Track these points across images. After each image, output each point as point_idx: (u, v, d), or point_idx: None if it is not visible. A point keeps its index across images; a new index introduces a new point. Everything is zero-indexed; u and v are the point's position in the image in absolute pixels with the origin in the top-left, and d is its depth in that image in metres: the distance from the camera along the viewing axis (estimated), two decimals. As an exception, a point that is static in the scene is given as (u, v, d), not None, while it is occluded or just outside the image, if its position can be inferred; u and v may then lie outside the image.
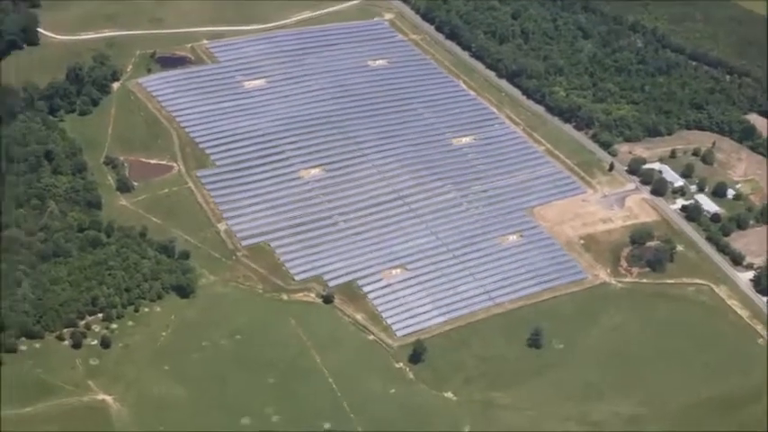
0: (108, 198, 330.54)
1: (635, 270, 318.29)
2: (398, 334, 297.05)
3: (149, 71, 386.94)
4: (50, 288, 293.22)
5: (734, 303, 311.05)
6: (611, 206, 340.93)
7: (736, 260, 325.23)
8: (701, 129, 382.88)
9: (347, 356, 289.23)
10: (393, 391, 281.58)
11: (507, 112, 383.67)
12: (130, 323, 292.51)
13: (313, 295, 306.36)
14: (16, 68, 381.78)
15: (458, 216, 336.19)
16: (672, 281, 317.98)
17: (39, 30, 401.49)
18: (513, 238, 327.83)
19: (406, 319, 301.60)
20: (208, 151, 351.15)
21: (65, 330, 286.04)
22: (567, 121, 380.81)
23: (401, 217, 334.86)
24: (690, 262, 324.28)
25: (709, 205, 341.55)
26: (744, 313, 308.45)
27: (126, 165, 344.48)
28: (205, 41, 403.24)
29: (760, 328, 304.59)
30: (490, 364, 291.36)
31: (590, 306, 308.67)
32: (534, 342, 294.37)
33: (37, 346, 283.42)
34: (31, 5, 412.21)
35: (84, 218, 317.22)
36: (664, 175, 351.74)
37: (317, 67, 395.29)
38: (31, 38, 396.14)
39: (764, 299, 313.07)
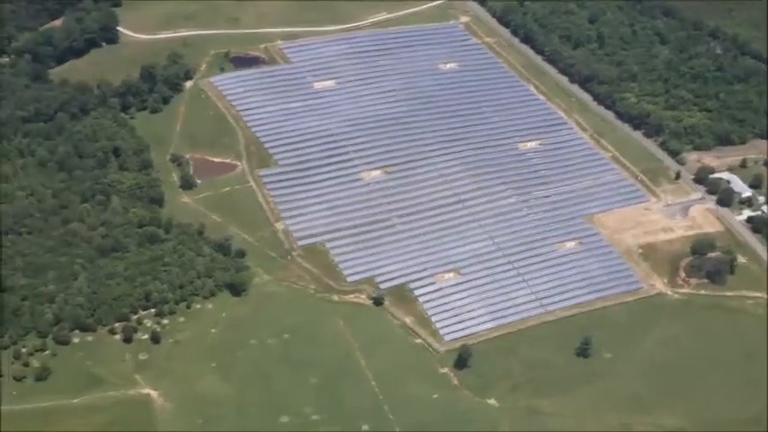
0: (171, 195, 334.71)
1: (693, 281, 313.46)
2: (446, 338, 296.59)
3: (222, 70, 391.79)
4: (106, 282, 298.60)
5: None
6: (673, 215, 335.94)
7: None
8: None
9: (392, 359, 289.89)
10: (436, 395, 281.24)
11: (576, 117, 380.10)
12: (181, 319, 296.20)
13: (364, 297, 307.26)
14: (94, 66, 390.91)
15: (517, 221, 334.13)
16: (730, 293, 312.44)
17: (118, 28, 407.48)
18: (570, 244, 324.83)
19: (455, 323, 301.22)
20: (271, 151, 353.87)
21: (117, 324, 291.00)
22: (636, 127, 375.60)
23: (459, 220, 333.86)
24: (751, 275, 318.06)
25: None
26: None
27: (191, 162, 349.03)
28: (279, 42, 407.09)
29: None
30: (536, 371, 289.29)
31: (643, 316, 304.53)
32: (583, 351, 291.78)
33: (89, 339, 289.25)
34: (112, 5, 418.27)
35: (144, 214, 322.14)
36: (731, 185, 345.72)
37: (388, 69, 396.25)
38: (110, 36, 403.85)
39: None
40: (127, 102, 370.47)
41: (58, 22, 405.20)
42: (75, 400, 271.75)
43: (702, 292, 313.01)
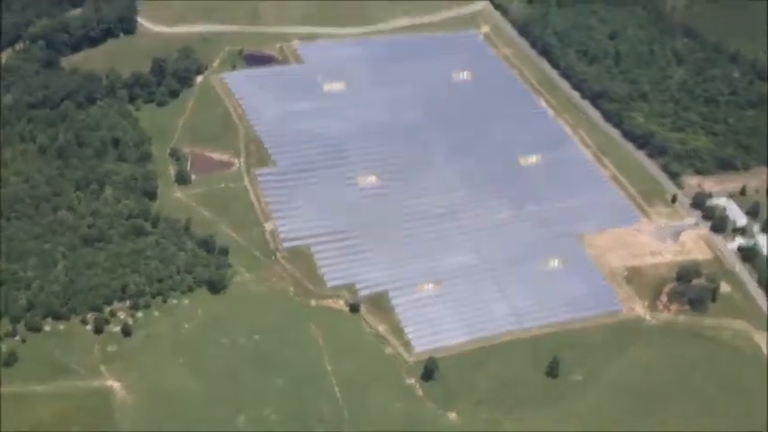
0: (165, 188, 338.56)
1: (674, 307, 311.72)
2: (417, 349, 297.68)
3: (234, 67, 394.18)
4: (84, 272, 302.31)
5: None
6: (664, 239, 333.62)
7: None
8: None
9: (360, 367, 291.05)
10: (398, 405, 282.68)
11: (582, 133, 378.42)
12: (156, 313, 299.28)
13: (341, 302, 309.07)
14: (108, 56, 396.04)
15: (505, 235, 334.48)
16: (710, 322, 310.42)
17: (138, 20, 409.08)
18: (555, 262, 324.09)
19: (428, 335, 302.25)
20: (270, 150, 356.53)
21: (89, 315, 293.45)
22: (640, 147, 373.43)
23: (448, 231, 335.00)
24: (734, 304, 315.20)
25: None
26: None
27: (189, 157, 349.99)
28: (295, 42, 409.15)
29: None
30: (503, 388, 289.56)
31: (619, 339, 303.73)
32: (551, 371, 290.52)
33: (61, 327, 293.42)
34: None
35: (134, 206, 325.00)
36: (727, 212, 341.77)
37: (400, 76, 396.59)
38: (127, 27, 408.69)
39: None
40: (135, 93, 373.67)
41: (78, 11, 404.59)
42: (38, 388, 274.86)
43: (682, 318, 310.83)
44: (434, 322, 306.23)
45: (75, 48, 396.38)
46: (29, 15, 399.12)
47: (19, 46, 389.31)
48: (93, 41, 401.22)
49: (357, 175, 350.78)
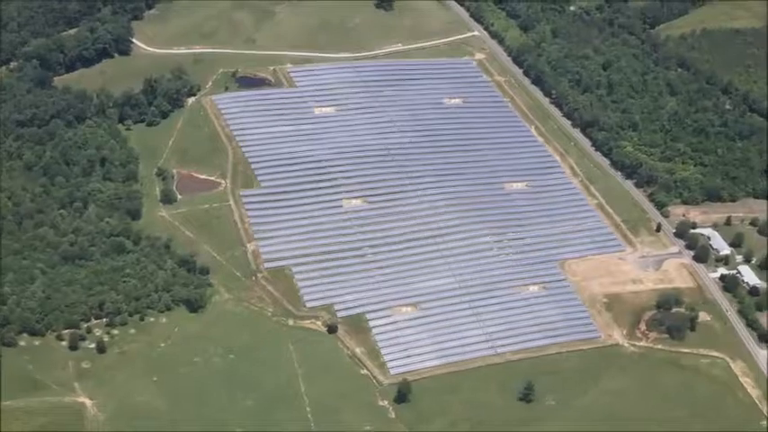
0: (150, 207, 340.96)
1: (652, 335, 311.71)
2: (392, 372, 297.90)
3: (226, 89, 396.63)
4: (62, 289, 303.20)
5: (747, 381, 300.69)
6: (646, 267, 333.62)
7: (763, 337, 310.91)
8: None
9: (333, 388, 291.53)
10: (368, 427, 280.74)
11: (571, 161, 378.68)
12: (132, 331, 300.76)
13: (319, 324, 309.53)
14: (102, 76, 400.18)
15: (486, 261, 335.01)
16: (687, 350, 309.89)
17: (133, 41, 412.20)
18: (534, 288, 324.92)
19: (404, 357, 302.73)
20: (257, 172, 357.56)
21: (65, 331, 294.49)
22: (628, 176, 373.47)
23: (429, 255, 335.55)
24: (712, 333, 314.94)
25: (750, 277, 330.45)
26: (754, 393, 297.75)
27: (175, 177, 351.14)
28: (289, 65, 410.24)
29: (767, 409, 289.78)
30: (475, 412, 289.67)
31: (595, 366, 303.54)
32: (524, 396, 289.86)
33: (36, 343, 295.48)
34: (132, 18, 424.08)
35: (116, 224, 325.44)
36: (711, 242, 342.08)
37: (392, 100, 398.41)
38: (123, 48, 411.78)
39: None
40: (125, 113, 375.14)
41: (74, 31, 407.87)
42: (10, 403, 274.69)
43: (659, 346, 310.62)
44: (410, 345, 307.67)
45: (70, 67, 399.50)
46: (25, 35, 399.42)
47: (13, 65, 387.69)
48: (88, 61, 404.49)
49: (342, 197, 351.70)
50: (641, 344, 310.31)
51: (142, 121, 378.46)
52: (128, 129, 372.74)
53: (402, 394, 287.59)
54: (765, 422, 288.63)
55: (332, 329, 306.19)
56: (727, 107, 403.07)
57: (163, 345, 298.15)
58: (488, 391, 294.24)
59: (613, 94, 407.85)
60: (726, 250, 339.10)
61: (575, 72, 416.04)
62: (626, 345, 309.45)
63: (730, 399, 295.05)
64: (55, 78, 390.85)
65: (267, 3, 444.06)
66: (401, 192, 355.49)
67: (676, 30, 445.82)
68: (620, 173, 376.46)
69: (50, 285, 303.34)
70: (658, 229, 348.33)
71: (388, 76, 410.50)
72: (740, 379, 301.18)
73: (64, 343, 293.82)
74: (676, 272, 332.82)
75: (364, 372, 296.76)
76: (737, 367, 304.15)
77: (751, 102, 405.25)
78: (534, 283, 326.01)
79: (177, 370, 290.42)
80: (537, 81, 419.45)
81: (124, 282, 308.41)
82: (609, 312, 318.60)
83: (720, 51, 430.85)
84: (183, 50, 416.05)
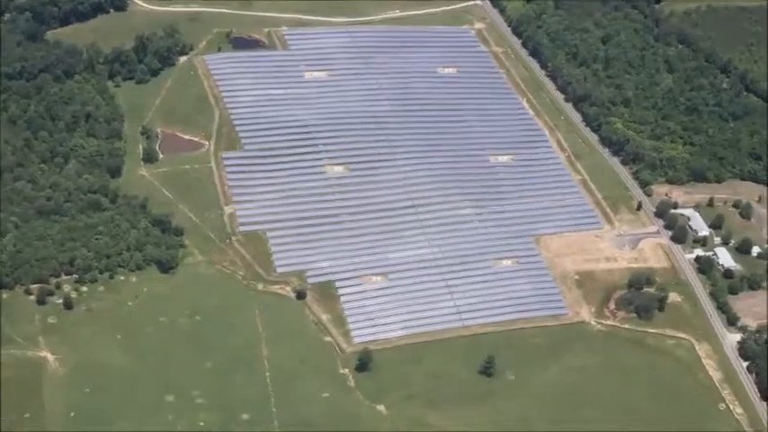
0: (131, 166, 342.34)
1: (620, 314, 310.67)
2: (356, 340, 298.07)
3: (219, 49, 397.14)
4: (33, 243, 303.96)
5: (709, 363, 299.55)
6: (622, 246, 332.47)
7: (731, 320, 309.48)
8: (757, 181, 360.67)
9: (295, 354, 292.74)
10: (326, 395, 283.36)
11: (559, 136, 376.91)
12: (101, 288, 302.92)
13: (288, 289, 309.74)
14: (95, 31, 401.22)
15: (463, 233, 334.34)
16: (654, 330, 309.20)
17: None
18: (507, 262, 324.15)
19: (369, 326, 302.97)
20: (242, 134, 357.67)
21: (33, 285, 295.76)
22: (615, 153, 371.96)
23: (406, 225, 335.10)
24: (681, 314, 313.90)
25: (726, 260, 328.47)
26: (716, 375, 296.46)
27: (159, 136, 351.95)
28: (283, 28, 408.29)
29: (726, 393, 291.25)
30: (435, 383, 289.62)
31: (559, 342, 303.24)
32: (485, 369, 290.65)
33: (5, 296, 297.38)
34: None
35: (94, 181, 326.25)
36: (691, 223, 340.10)
37: (385, 67, 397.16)
38: (118, 3, 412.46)
39: (745, 364, 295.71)
40: (115, 70, 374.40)
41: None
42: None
43: (626, 326, 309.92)
44: (377, 314, 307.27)
45: (64, 21, 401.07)
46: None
47: (7, 16, 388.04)
48: (83, 16, 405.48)
49: (324, 164, 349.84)
50: (608, 322, 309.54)
51: (132, 79, 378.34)
52: (117, 86, 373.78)
53: (363, 363, 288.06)
54: (723, 405, 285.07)
55: (300, 295, 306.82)
56: (724, 86, 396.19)
57: (130, 304, 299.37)
58: (451, 363, 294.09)
59: (610, 69, 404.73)
60: (704, 231, 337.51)
61: (572, 45, 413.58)
62: (592, 323, 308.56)
63: (691, 380, 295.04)
64: (48, 32, 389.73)
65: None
66: (385, 160, 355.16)
67: (681, 5, 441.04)
68: (607, 149, 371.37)
69: (22, 239, 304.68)
70: (639, 207, 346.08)
71: (382, 42, 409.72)
72: (703, 361, 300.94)
73: (32, 297, 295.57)
74: (652, 251, 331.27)
75: (328, 339, 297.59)
76: (702, 349, 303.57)
77: (749, 81, 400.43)
78: (508, 258, 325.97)
79: (142, 329, 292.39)
80: (534, 53, 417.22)
81: (96, 239, 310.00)
82: (579, 289, 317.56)
83: (724, 29, 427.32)
84: (180, 9, 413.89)
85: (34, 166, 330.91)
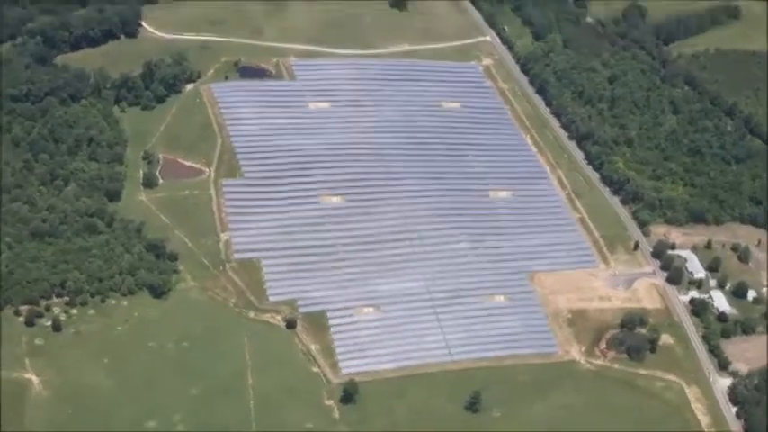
0: (130, 190, 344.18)
1: (611, 354, 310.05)
2: (344, 371, 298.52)
3: (226, 78, 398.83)
4: (25, 264, 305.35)
5: (698, 407, 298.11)
6: (616, 285, 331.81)
7: (723, 364, 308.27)
8: (757, 225, 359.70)
9: (282, 383, 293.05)
10: (310, 425, 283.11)
11: (560, 174, 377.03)
12: (91, 312, 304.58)
13: (279, 318, 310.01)
14: (105, 57, 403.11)
15: (457, 267, 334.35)
16: (644, 371, 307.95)
17: (142, 24, 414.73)
18: (500, 298, 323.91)
19: (358, 358, 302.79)
20: (242, 162, 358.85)
21: (23, 307, 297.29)
22: (615, 193, 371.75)
23: (400, 257, 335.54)
24: (672, 356, 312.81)
25: (721, 303, 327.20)
26: (704, 419, 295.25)
27: (160, 162, 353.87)
28: (291, 58, 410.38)
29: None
30: (419, 417, 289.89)
31: (547, 380, 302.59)
32: (471, 405, 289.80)
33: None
34: (146, 1, 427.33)
35: (92, 204, 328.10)
36: (687, 265, 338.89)
37: (388, 100, 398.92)
38: (129, 30, 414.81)
39: (734, 409, 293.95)
40: (121, 95, 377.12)
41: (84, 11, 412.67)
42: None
43: (616, 366, 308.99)
44: (366, 346, 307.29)
45: (75, 46, 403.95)
46: (33, 11, 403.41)
47: (19, 40, 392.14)
48: (94, 41, 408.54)
49: (322, 194, 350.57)
50: (598, 362, 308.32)
51: (138, 105, 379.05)
52: (122, 111, 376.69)
53: (348, 395, 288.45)
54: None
55: (290, 325, 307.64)
56: (729, 129, 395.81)
57: (120, 328, 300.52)
58: (437, 397, 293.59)
59: (615, 109, 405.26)
60: (700, 273, 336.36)
61: (579, 84, 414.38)
62: (582, 361, 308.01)
63: (679, 423, 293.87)
64: (58, 57, 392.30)
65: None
66: (383, 192, 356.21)
67: (690, 48, 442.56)
68: (608, 188, 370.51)
69: (15, 260, 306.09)
70: (636, 247, 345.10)
71: (388, 75, 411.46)
72: (692, 405, 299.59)
73: (21, 318, 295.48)
74: (646, 292, 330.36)
75: (315, 369, 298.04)
76: (692, 392, 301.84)
77: (753, 125, 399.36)
78: (501, 293, 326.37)
79: (129, 353, 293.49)
80: (540, 90, 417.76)
81: (89, 262, 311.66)
82: (571, 328, 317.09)
83: (732, 72, 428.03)
84: (190, 36, 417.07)
85: (33, 187, 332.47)
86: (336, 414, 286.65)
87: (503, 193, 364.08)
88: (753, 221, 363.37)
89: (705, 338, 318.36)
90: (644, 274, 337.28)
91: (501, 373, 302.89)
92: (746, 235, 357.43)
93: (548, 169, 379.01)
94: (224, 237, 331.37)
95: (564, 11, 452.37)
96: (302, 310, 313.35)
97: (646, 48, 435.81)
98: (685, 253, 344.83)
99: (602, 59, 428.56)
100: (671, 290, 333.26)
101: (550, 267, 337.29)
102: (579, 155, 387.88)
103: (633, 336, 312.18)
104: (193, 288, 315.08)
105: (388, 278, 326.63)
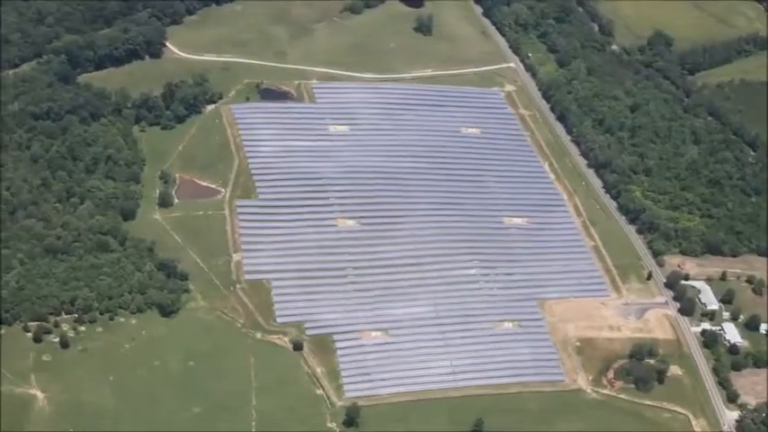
0: (146, 209, 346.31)
1: (618, 384, 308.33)
2: (347, 395, 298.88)
3: (248, 99, 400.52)
4: (36, 280, 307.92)
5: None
6: (627, 315, 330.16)
7: (731, 397, 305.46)
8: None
9: (285, 404, 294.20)
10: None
11: (576, 201, 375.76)
12: (100, 329, 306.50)
13: (286, 340, 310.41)
14: (129, 76, 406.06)
15: (467, 293, 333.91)
16: (651, 402, 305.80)
17: (166, 44, 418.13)
18: (508, 325, 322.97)
19: (362, 382, 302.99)
20: (258, 184, 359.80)
21: (31, 323, 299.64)
22: (631, 222, 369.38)
23: (411, 282, 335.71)
24: (681, 388, 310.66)
25: (733, 335, 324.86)
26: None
27: (177, 182, 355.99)
28: (313, 81, 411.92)
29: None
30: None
31: (553, 409, 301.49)
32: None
33: (2, 332, 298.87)
34: (172, 22, 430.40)
35: (106, 223, 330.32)
36: (700, 296, 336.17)
37: (408, 124, 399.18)
38: (153, 50, 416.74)
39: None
40: (141, 115, 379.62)
41: (109, 30, 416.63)
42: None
43: (623, 396, 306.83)
44: (371, 370, 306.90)
45: (99, 66, 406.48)
46: (59, 30, 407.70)
47: (45, 58, 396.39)
48: (118, 61, 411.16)
49: (337, 217, 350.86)
50: (605, 392, 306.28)
51: (158, 124, 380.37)
52: (142, 130, 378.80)
53: (350, 418, 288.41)
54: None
55: (297, 347, 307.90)
56: (750, 160, 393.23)
57: (127, 346, 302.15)
58: (439, 423, 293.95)
59: (635, 138, 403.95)
60: (714, 305, 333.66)
61: (600, 111, 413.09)
62: (589, 390, 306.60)
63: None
64: (82, 75, 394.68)
65: (308, 21, 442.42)
66: (398, 216, 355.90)
67: (715, 78, 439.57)
68: (624, 217, 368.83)
69: (26, 276, 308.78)
70: (649, 277, 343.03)
71: (408, 99, 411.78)
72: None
73: (29, 334, 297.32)
74: (657, 322, 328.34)
75: (320, 392, 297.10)
76: (698, 425, 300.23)
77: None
78: (510, 320, 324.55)
79: (134, 371, 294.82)
80: (561, 118, 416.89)
81: (100, 280, 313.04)
82: (579, 356, 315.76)
83: (756, 103, 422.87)
84: (213, 57, 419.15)
85: (49, 204, 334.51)
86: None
87: (517, 220, 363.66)
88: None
89: (715, 371, 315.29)
90: (656, 304, 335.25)
91: (506, 400, 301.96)
92: (762, 267, 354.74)
93: (564, 196, 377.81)
94: (236, 257, 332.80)
95: (590, 38, 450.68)
96: (309, 332, 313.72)
97: (670, 77, 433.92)
98: (699, 284, 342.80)
99: (625, 88, 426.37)
100: (683, 321, 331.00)
101: (561, 295, 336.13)
102: (597, 183, 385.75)
103: (641, 366, 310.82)
104: (202, 308, 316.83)
105: (397, 302, 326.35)
